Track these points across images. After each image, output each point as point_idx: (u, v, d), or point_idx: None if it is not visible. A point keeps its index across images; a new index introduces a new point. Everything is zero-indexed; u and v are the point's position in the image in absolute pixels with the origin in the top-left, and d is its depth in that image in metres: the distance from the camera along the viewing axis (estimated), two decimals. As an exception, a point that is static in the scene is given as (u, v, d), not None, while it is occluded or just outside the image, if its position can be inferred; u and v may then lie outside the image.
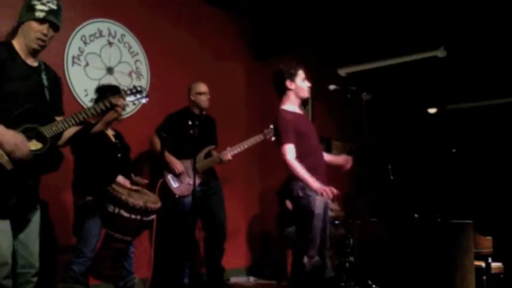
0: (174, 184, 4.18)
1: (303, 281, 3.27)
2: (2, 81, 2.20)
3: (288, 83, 3.42)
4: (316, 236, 3.23)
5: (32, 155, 2.19)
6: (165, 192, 4.10)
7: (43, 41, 2.32)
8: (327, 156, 3.60)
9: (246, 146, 4.36)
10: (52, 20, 2.32)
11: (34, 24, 2.29)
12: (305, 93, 3.44)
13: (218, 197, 4.44)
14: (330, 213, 3.74)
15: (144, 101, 2.63)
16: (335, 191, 3.15)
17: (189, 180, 4.09)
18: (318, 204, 3.22)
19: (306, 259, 3.22)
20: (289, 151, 3.28)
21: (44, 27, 2.30)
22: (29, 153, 2.18)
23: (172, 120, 4.27)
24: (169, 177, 4.19)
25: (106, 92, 3.21)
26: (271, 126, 4.21)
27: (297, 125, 3.35)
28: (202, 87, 4.38)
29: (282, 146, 3.30)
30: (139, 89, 2.56)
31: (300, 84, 3.42)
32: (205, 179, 4.31)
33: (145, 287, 4.16)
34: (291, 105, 3.46)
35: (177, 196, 4.14)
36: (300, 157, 3.29)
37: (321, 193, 3.14)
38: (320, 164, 3.41)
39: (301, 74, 3.43)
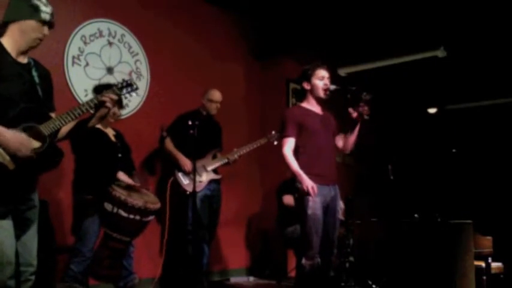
0: (184, 181, 4.27)
1: (302, 281, 3.26)
2: None
3: (305, 85, 3.43)
4: (310, 237, 3.19)
5: (35, 153, 2.20)
6: (177, 189, 4.23)
7: (41, 40, 2.36)
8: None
9: (251, 148, 4.56)
10: (54, 22, 2.37)
11: (37, 25, 2.31)
12: (319, 91, 3.35)
13: (218, 200, 4.54)
14: (340, 216, 3.71)
15: (134, 94, 2.64)
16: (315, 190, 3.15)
17: (198, 177, 4.17)
18: (311, 205, 3.19)
19: (303, 260, 3.21)
20: (287, 144, 3.31)
21: (46, 29, 2.35)
22: (33, 151, 2.19)
23: (181, 121, 4.32)
24: (180, 174, 4.29)
25: (101, 91, 3.22)
26: (273, 132, 4.49)
27: (301, 120, 3.33)
28: (215, 96, 4.51)
29: (282, 139, 3.36)
30: (129, 82, 2.57)
31: (315, 83, 3.38)
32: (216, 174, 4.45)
33: (153, 286, 4.18)
34: (306, 103, 3.46)
35: (187, 193, 4.20)
36: (297, 152, 3.31)
37: (307, 189, 3.15)
38: (320, 164, 3.31)
39: (318, 73, 3.38)
